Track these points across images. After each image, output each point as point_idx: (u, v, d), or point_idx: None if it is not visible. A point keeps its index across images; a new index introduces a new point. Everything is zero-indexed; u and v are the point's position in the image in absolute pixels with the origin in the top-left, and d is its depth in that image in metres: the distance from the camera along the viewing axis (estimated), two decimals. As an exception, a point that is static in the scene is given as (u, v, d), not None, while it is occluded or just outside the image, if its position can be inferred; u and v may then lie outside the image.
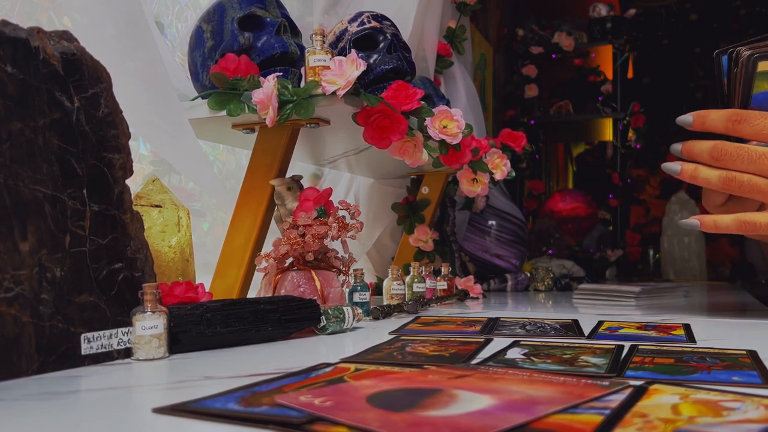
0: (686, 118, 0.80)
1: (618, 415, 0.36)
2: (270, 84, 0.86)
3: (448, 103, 1.48)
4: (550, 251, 2.32)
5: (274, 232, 0.99)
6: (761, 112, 0.75)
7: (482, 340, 0.68)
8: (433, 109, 1.03)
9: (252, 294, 0.98)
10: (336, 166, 1.41)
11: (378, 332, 0.76)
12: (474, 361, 0.56)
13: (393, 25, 1.16)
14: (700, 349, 0.61)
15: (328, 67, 0.88)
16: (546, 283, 1.62)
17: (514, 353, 0.59)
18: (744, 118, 0.75)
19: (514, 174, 1.44)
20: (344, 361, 0.55)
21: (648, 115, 2.96)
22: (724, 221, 0.78)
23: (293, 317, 0.69)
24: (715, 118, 0.78)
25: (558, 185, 3.30)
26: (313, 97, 0.88)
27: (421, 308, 1.03)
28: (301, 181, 0.98)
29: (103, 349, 0.55)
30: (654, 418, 0.36)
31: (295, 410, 0.37)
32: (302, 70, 1.00)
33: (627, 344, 0.64)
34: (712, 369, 0.51)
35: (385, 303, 1.04)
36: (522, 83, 2.90)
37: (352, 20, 1.13)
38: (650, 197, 3.58)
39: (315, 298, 0.81)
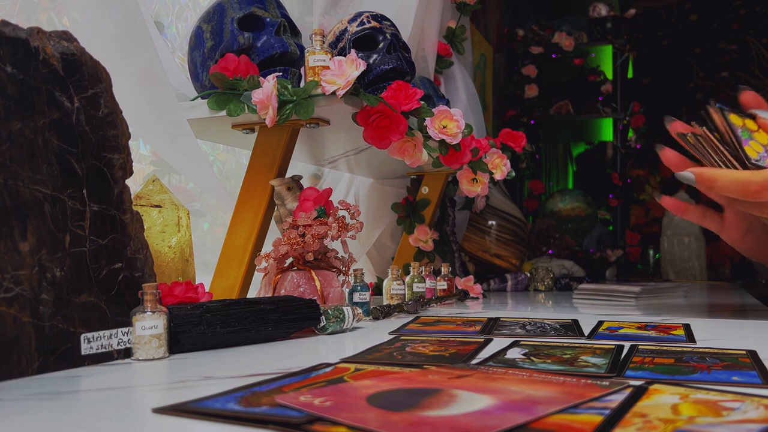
0: (688, 176, 0.74)
1: (618, 415, 0.36)
2: (270, 84, 0.86)
3: (448, 103, 1.48)
4: (550, 251, 2.32)
5: (274, 232, 0.99)
6: None
7: (482, 340, 0.68)
8: (433, 109, 1.03)
9: (252, 294, 0.98)
10: (336, 166, 1.41)
11: (378, 332, 0.76)
12: (474, 361, 0.56)
13: (393, 25, 1.16)
14: (700, 349, 0.61)
15: (327, 67, 0.88)
16: (546, 283, 1.62)
17: (514, 353, 0.59)
18: (766, 186, 0.69)
19: (513, 174, 1.44)
20: (344, 361, 0.55)
21: (648, 115, 2.96)
22: (724, 178, 0.71)
23: (293, 317, 0.69)
24: (726, 185, 0.71)
25: (558, 185, 3.30)
26: (312, 97, 0.87)
27: (421, 308, 1.03)
28: (301, 181, 0.98)
29: (103, 349, 0.55)
30: (654, 418, 0.36)
31: (295, 410, 0.37)
32: (302, 70, 1.00)
33: (627, 344, 0.64)
34: (712, 369, 0.51)
35: (385, 303, 1.04)
36: (522, 83, 2.90)
37: (351, 20, 1.13)
38: (650, 197, 3.58)
39: (315, 298, 0.81)
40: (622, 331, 0.76)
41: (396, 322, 0.87)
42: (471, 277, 1.31)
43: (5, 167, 0.48)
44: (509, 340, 0.68)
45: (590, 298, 1.27)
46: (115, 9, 0.85)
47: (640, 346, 0.62)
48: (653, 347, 0.62)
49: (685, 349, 0.62)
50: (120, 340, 0.57)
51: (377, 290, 1.40)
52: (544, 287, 1.62)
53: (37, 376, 0.49)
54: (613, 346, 0.62)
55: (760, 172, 0.70)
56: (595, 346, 0.64)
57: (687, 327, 0.78)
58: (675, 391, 0.42)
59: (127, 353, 0.57)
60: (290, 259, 0.88)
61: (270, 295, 0.85)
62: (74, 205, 0.54)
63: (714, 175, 0.72)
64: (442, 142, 1.05)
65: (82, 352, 0.53)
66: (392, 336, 0.72)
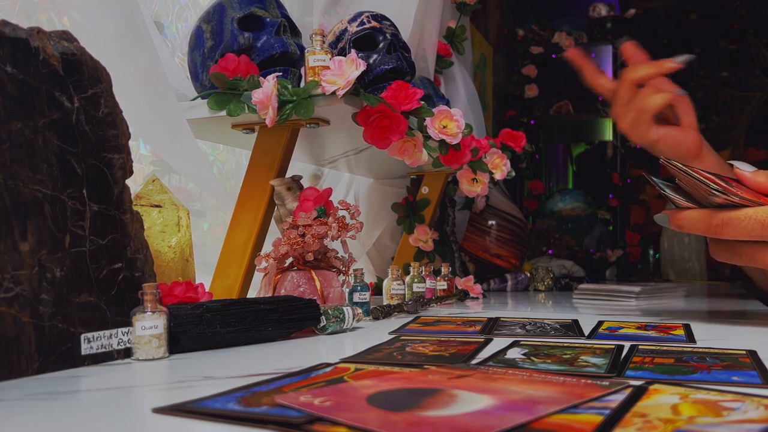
0: (663, 217, 0.76)
1: (618, 415, 0.36)
2: (270, 84, 0.86)
3: (448, 103, 1.48)
4: (550, 251, 2.32)
5: (274, 232, 0.99)
6: (742, 211, 0.68)
7: (482, 340, 0.68)
8: (433, 109, 1.03)
9: (252, 294, 0.98)
10: (336, 166, 1.41)
11: (378, 332, 0.76)
12: (474, 361, 0.56)
13: (393, 25, 1.16)
14: (700, 349, 0.61)
15: (327, 67, 0.88)
16: (546, 283, 1.62)
17: (514, 353, 0.59)
18: (727, 222, 0.69)
19: (514, 174, 1.44)
20: (344, 361, 0.55)
21: (648, 115, 2.96)
22: (691, 215, 0.72)
23: (293, 317, 0.69)
24: (693, 221, 0.72)
25: (558, 185, 3.30)
26: (312, 97, 0.88)
27: (421, 308, 1.03)
28: (301, 181, 0.98)
29: (103, 349, 0.55)
30: (654, 418, 0.36)
31: (295, 410, 0.37)
32: (302, 70, 1.00)
33: (627, 344, 0.64)
34: (712, 369, 0.51)
35: (385, 303, 1.04)
36: (522, 83, 2.90)
37: (351, 20, 1.13)
38: (650, 197, 3.58)
39: (315, 298, 0.81)
40: (622, 331, 0.76)
41: (396, 322, 0.87)
42: (471, 277, 1.31)
43: (5, 167, 0.48)
44: (509, 340, 0.68)
45: (590, 298, 1.27)
46: (115, 9, 0.85)
47: (640, 346, 0.62)
48: (653, 347, 0.62)
49: (685, 349, 0.62)
50: (120, 340, 0.57)
51: (377, 290, 1.40)
52: (544, 287, 1.62)
53: (37, 376, 0.49)
54: (613, 346, 0.62)
55: (723, 210, 0.70)
56: (595, 346, 0.64)
57: (687, 327, 0.78)
58: (675, 391, 0.42)
59: (127, 353, 0.57)
60: (290, 259, 0.88)
61: (270, 295, 0.85)
62: (74, 205, 0.54)
63: (682, 214, 0.73)
64: (442, 142, 1.05)
65: (82, 352, 0.53)
66: (392, 336, 0.72)
